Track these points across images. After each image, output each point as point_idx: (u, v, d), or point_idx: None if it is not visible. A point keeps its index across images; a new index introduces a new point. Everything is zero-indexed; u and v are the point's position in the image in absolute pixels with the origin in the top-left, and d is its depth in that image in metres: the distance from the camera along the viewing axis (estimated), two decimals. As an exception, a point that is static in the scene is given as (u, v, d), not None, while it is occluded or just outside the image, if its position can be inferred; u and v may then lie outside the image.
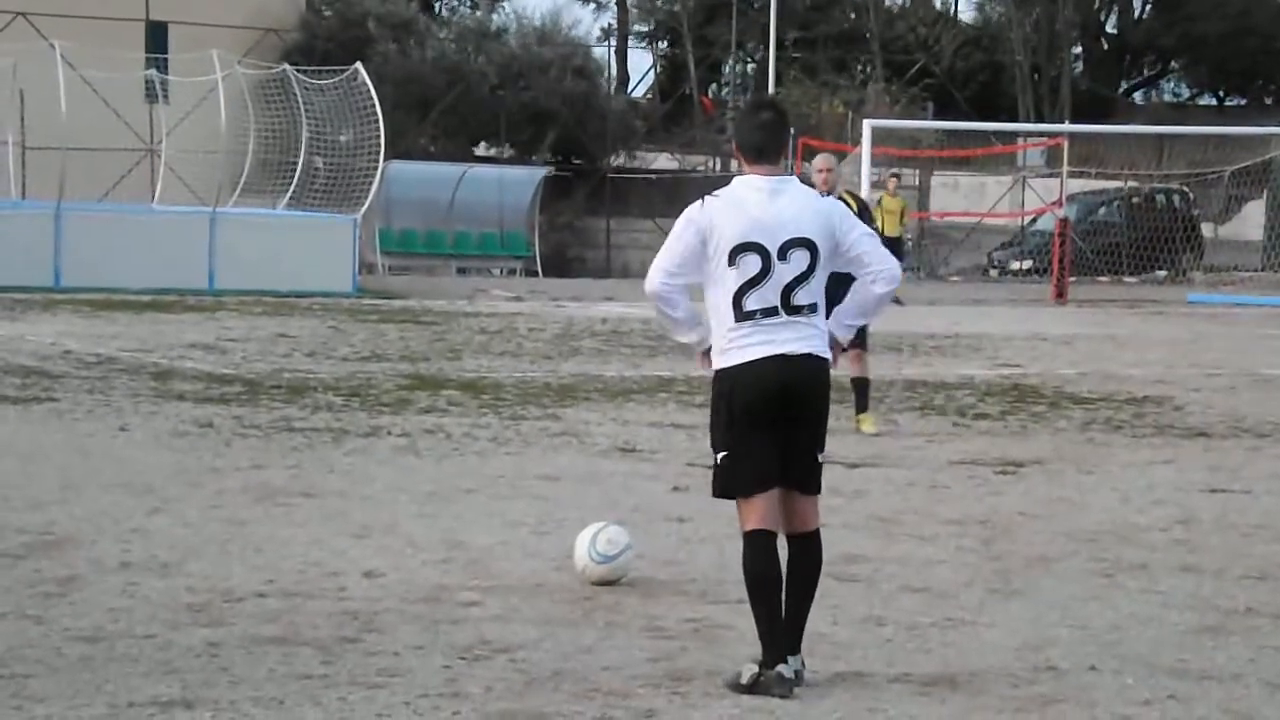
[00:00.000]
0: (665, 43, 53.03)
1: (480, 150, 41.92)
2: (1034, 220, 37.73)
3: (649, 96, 52.68)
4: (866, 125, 28.18)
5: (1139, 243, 34.50)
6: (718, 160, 44.19)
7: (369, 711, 4.96)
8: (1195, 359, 17.02)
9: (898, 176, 28.71)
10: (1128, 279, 34.11)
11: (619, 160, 41.78)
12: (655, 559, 7.04)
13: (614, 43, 52.42)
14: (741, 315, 5.18)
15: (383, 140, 25.93)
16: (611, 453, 10.13)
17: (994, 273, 37.67)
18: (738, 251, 5.17)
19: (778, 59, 40.28)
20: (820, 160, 11.22)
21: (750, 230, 5.17)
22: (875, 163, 29.80)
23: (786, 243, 5.16)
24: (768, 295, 5.17)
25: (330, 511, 8.05)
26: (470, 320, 20.45)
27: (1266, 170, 34.60)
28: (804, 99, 41.60)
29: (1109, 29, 56.77)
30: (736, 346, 5.19)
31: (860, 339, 10.46)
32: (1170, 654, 5.67)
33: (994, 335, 19.49)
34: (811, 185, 5.39)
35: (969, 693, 5.20)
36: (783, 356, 5.15)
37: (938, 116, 41.98)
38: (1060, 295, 27.69)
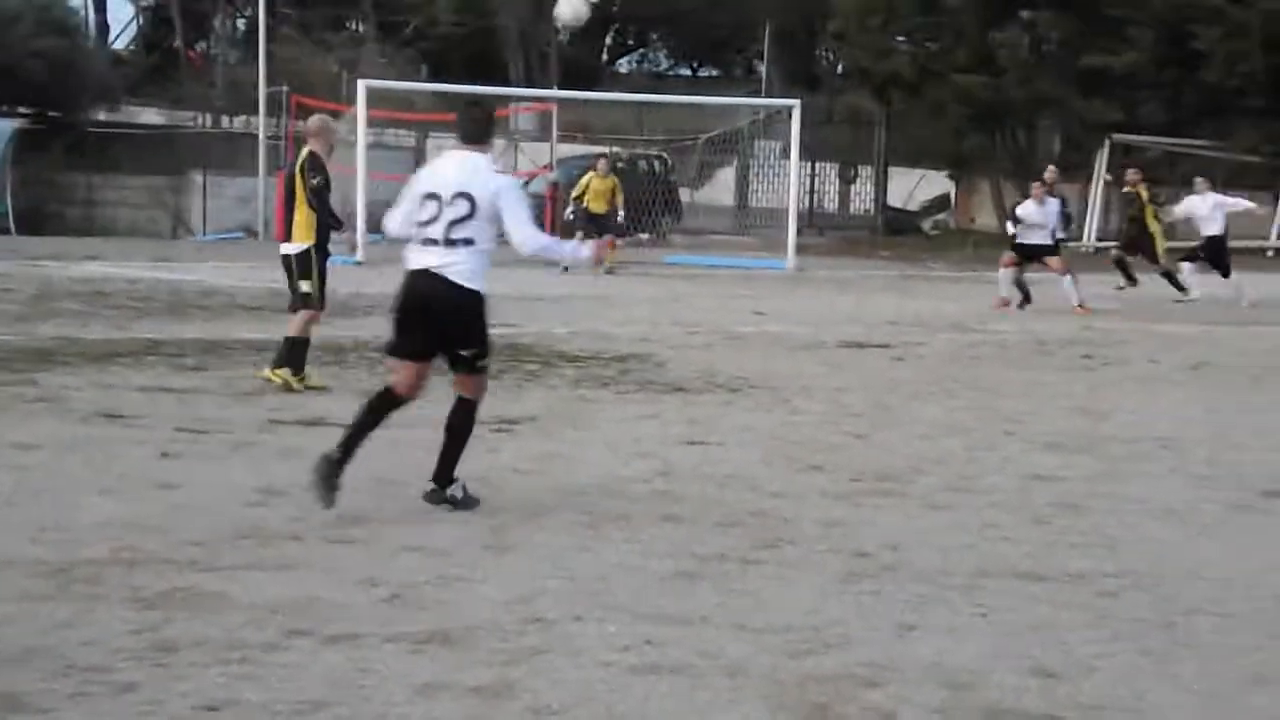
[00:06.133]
0: (149, -8, 50.85)
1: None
2: (527, 183, 38.56)
3: (132, 48, 50.43)
4: (361, 85, 27.93)
5: (624, 206, 35.85)
6: (208, 116, 42.79)
7: None
8: (675, 317, 17.87)
9: (606, 157, 28.81)
10: (615, 241, 35.35)
11: (101, 114, 39.83)
12: (142, 527, 6.79)
13: (93, -10, 49.79)
14: (420, 240, 7.21)
15: None
16: (94, 418, 9.69)
17: (489, 235, 38.22)
18: (425, 197, 7.25)
19: (269, 14, 39.33)
20: (311, 122, 11.71)
21: (433, 183, 7.27)
22: (371, 124, 29.63)
23: (454, 194, 7.15)
24: (437, 229, 7.16)
25: None
26: (-66, 281, 19.03)
27: (736, 138, 36.67)
28: (297, 56, 40.87)
29: (594, -1, 58.51)
30: (410, 257, 7.25)
31: (303, 300, 11.27)
32: (650, 600, 5.94)
33: (491, 295, 19.79)
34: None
35: (461, 648, 5.29)
36: (426, 270, 7.18)
37: (432, 79, 42.19)
38: (552, 257, 28.41)
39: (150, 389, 10.99)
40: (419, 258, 7.22)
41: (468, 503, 7.34)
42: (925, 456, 9.24)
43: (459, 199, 7.16)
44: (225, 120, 42.46)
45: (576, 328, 16.40)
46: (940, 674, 5.14)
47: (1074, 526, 7.38)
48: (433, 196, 7.19)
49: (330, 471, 7.09)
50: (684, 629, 5.57)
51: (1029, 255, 20.19)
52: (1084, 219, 36.33)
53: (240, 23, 50.01)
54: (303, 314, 11.33)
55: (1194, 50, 33.12)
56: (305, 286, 11.26)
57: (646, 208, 35.38)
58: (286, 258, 11.37)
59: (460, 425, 7.41)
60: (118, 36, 51.73)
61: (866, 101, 43.05)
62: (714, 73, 59.16)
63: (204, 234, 37.26)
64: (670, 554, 6.65)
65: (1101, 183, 36.21)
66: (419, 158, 41.66)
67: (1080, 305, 19.67)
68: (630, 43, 60.70)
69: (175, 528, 6.87)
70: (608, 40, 58.62)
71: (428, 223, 7.18)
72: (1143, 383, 12.90)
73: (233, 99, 42.16)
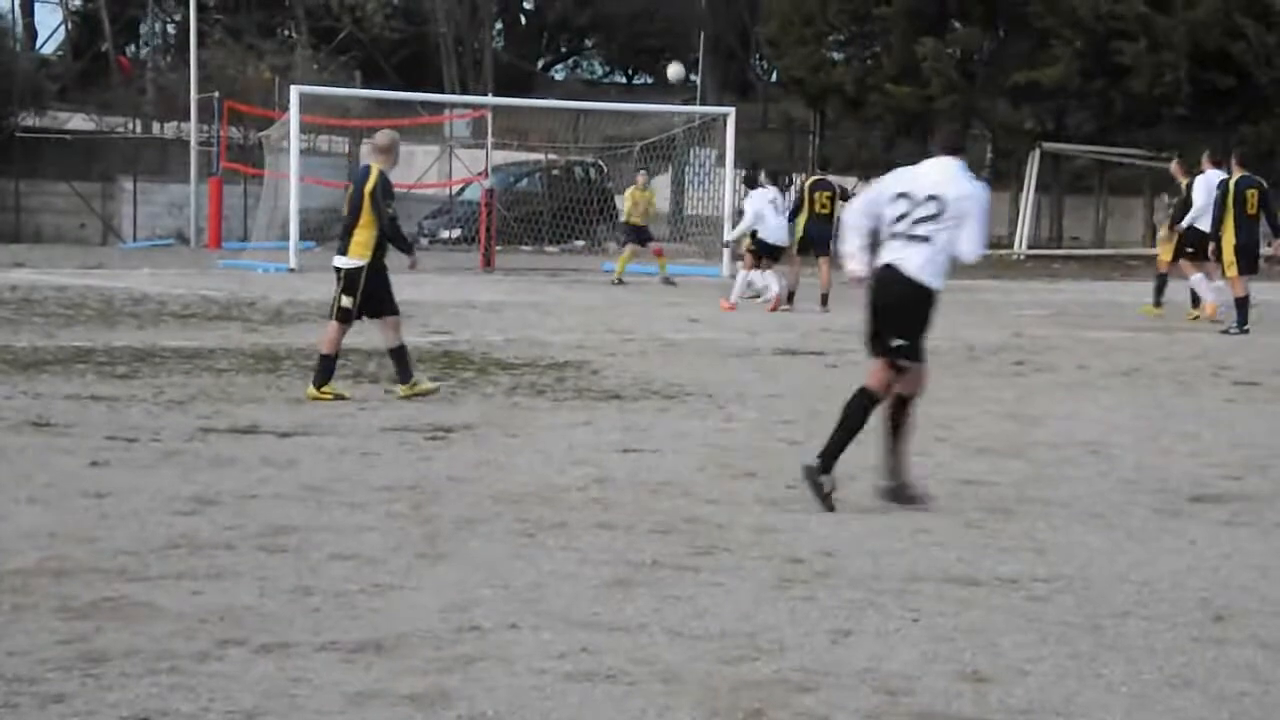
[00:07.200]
0: (78, -2, 50.32)
1: None
2: (461, 190, 38.49)
3: (60, 53, 49.89)
4: (294, 91, 27.77)
5: (559, 213, 35.84)
6: (138, 122, 42.39)
7: None
8: (611, 325, 17.89)
9: (645, 170, 28.73)
10: (549, 248, 35.38)
11: (28, 119, 39.39)
12: (70, 537, 6.73)
13: (19, -4, 49.24)
14: (888, 236, 7.70)
15: None
16: (23, 427, 9.58)
17: (425, 241, 38.14)
18: (896, 196, 7.74)
19: (200, 20, 39.02)
20: (380, 137, 11.70)
21: (907, 184, 7.79)
22: (304, 130, 29.47)
23: (926, 195, 7.66)
24: (903, 225, 7.67)
25: None
26: None
27: (671, 145, 36.74)
28: (229, 62, 40.59)
29: (527, 5, 58.51)
30: (880, 254, 7.72)
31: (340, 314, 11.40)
32: (585, 608, 5.95)
33: (426, 303, 19.75)
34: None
35: (394, 657, 5.27)
36: (887, 264, 7.70)
37: (365, 85, 41.99)
38: (488, 264, 28.41)
39: (80, 397, 10.88)
40: (884, 253, 7.73)
41: (924, 500, 7.85)
42: (858, 462, 9.28)
43: (930, 200, 7.66)
44: (156, 126, 42.08)
45: (511, 335, 16.38)
46: (873, 679, 5.18)
47: (1004, 531, 7.45)
48: (904, 196, 7.71)
49: (818, 482, 7.72)
50: (619, 636, 5.58)
51: (770, 253, 20.76)
52: (1015, 226, 36.67)
53: (170, 28, 49.57)
54: (334, 327, 11.34)
55: (1122, 60, 33.49)
56: (346, 301, 11.33)
57: (581, 214, 35.36)
58: (342, 272, 11.37)
59: (897, 420, 7.84)
60: (45, 41, 51.22)
61: (799, 110, 43.30)
62: (648, 80, 59.27)
63: (132, 241, 36.90)
64: (605, 561, 6.65)
65: (1032, 191, 36.56)
66: (352, 164, 41.46)
67: (730, 302, 20.55)
68: (564, 50, 60.70)
69: (105, 537, 6.81)
70: (542, 47, 58.58)
71: (896, 220, 7.68)
72: (1072, 389, 13.03)
73: (163, 105, 41.80)
